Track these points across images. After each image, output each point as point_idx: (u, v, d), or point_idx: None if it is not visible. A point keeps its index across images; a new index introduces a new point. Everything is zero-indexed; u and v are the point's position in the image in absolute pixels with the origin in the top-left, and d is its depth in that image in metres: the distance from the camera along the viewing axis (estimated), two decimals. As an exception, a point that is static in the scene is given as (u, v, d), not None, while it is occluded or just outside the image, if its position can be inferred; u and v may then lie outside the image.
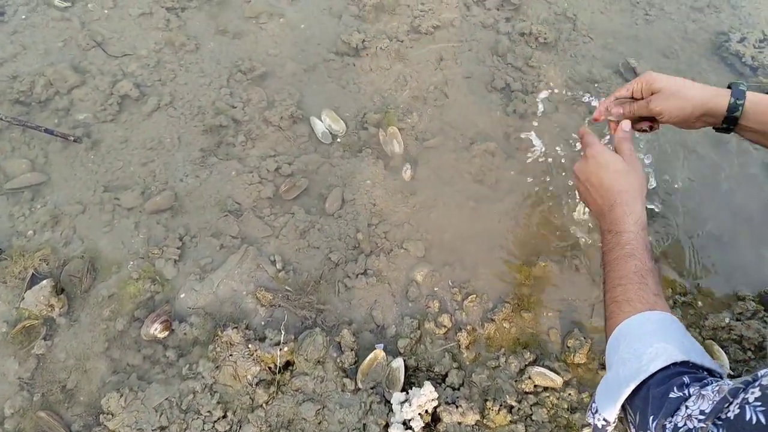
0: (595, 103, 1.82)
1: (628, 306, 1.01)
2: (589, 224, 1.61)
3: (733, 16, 2.09)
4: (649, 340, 0.93)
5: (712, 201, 1.69)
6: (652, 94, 1.24)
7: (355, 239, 1.56)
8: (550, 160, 1.72)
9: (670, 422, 0.80)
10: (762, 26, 2.05)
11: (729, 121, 1.19)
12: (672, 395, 0.83)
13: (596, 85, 1.88)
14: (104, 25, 1.95)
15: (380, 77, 1.88)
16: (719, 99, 1.18)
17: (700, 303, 1.53)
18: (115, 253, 1.50)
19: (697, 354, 0.89)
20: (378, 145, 1.73)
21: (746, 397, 0.71)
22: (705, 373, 0.88)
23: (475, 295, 1.49)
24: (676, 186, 1.69)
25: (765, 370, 0.73)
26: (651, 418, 0.84)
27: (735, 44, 1.95)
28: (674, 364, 0.87)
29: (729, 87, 1.19)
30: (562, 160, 1.72)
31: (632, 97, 1.29)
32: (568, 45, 1.97)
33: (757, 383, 0.72)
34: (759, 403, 0.69)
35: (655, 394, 0.86)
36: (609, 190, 1.18)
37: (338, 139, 1.74)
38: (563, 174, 1.69)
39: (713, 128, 1.23)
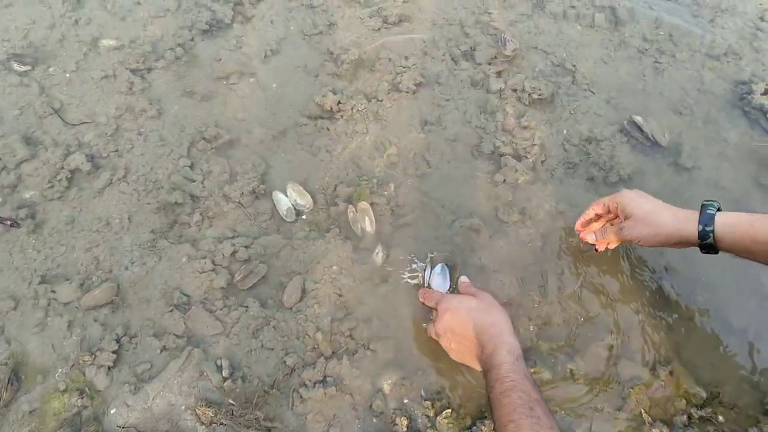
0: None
1: None
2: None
3: (756, 62, 1.85)
4: None
5: (733, 288, 1.44)
6: (626, 217, 1.26)
7: (314, 339, 1.37)
8: (539, 243, 1.50)
9: None
10: (791, 74, 1.81)
11: (705, 248, 1.17)
12: None
13: (600, 144, 1.67)
14: (64, 90, 1.82)
15: (356, 143, 1.70)
16: (689, 225, 1.16)
17: (721, 418, 1.28)
18: (44, 358, 1.34)
19: None
20: (347, 223, 1.54)
21: None
22: None
23: (450, 410, 1.28)
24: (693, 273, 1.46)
25: None
26: None
27: (759, 96, 1.71)
28: None
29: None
30: (558, 240, 1.50)
31: (608, 211, 1.34)
32: (566, 100, 1.76)
33: None
34: None
35: None
36: (475, 331, 1.17)
37: (303, 216, 1.56)
38: (558, 258, 1.48)
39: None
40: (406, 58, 1.86)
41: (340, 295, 1.43)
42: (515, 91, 1.77)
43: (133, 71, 1.86)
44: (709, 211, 1.15)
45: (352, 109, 1.75)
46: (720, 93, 1.78)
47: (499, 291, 1.43)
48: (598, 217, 1.38)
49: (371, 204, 1.55)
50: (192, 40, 1.95)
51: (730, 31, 1.93)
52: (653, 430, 1.25)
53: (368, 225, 1.52)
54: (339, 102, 1.75)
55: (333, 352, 1.36)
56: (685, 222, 1.17)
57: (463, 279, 1.39)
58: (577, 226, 1.40)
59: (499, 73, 1.82)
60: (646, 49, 1.88)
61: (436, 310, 1.30)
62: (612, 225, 1.34)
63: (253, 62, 1.89)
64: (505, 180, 1.60)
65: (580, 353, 1.37)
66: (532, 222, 1.54)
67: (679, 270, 1.46)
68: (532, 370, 1.31)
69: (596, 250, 1.40)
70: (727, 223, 1.13)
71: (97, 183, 1.62)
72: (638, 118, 1.66)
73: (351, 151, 1.68)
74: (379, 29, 1.95)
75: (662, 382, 1.33)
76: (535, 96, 1.74)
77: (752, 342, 1.37)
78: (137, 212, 1.57)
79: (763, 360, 1.35)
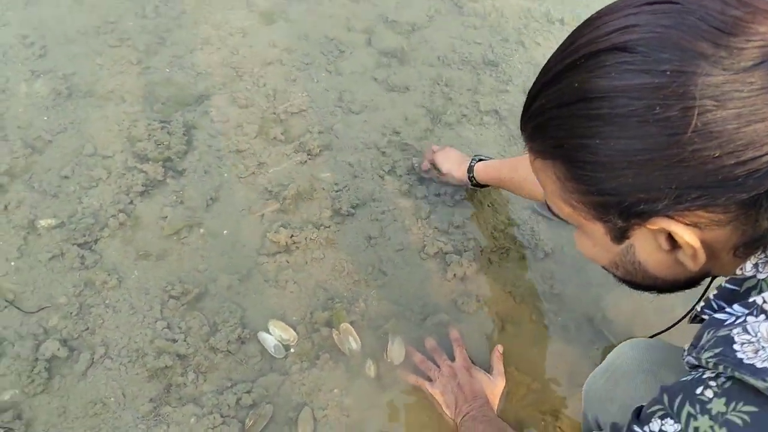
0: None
1: None
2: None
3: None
4: None
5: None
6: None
7: (338, 462, 1.49)
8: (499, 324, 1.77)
9: None
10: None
11: (474, 184, 1.94)
12: None
13: (520, 228, 1.99)
14: (13, 280, 1.82)
15: (317, 269, 1.88)
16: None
17: None
18: None
19: None
20: (333, 346, 1.70)
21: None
22: None
23: (473, 490, 1.45)
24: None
25: None
26: None
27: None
28: None
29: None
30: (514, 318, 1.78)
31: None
32: (481, 196, 2.08)
33: None
34: None
35: None
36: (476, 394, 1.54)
37: (291, 350, 1.69)
38: (518, 336, 1.74)
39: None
40: (337, 183, 2.10)
41: (348, 416, 1.57)
42: (438, 195, 2.07)
43: (80, 246, 1.91)
44: (471, 164, 1.88)
45: (305, 239, 1.93)
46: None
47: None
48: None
49: (350, 322, 1.73)
50: (131, 203, 2.04)
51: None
52: None
53: (353, 343, 1.69)
54: (292, 235, 1.93)
55: (357, 470, 1.49)
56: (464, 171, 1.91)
57: (500, 349, 1.72)
58: (424, 165, 2.10)
59: (419, 180, 2.12)
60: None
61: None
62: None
63: (198, 214, 2.02)
64: (455, 275, 1.86)
65: (561, 413, 1.62)
66: (488, 307, 1.80)
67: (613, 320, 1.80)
68: (528, 436, 1.54)
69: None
70: (480, 167, 1.85)
71: (78, 366, 1.63)
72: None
73: (315, 279, 1.86)
74: (305, 162, 2.18)
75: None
76: (457, 197, 2.05)
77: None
78: (129, 385, 1.61)
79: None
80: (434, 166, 2.01)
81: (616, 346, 1.25)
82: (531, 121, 0.75)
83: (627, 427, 0.77)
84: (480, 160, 1.88)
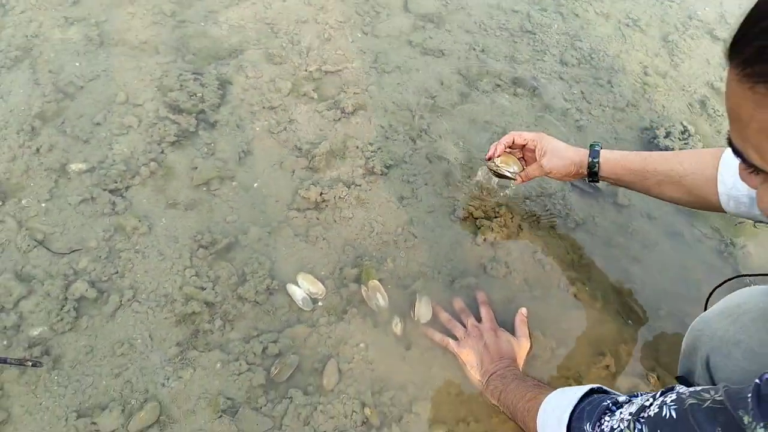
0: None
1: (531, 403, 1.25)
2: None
3: (651, 111, 2.28)
4: (553, 414, 1.11)
5: (682, 297, 1.76)
6: (542, 154, 1.63)
7: (363, 414, 1.49)
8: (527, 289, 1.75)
9: (607, 423, 0.93)
10: (678, 117, 2.24)
11: (592, 175, 1.58)
12: (603, 403, 0.99)
13: (552, 197, 1.96)
14: (43, 221, 1.82)
15: (346, 228, 1.86)
16: (583, 158, 1.58)
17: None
18: (105, 492, 1.34)
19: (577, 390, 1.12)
20: (361, 301, 1.69)
21: (665, 399, 0.86)
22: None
23: (497, 450, 1.45)
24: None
25: (681, 387, 0.88)
26: (587, 425, 0.98)
27: (662, 139, 2.11)
28: (584, 395, 1.07)
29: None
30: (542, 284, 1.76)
31: (523, 146, 1.72)
32: (515, 163, 2.05)
33: (674, 391, 0.87)
34: (673, 404, 0.84)
35: (584, 411, 1.02)
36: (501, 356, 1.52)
37: (319, 303, 1.69)
38: (547, 300, 1.72)
39: (585, 179, 1.62)
40: (371, 144, 2.08)
41: (372, 370, 1.57)
42: (470, 161, 2.04)
43: (111, 191, 1.91)
44: (595, 148, 1.57)
45: (335, 197, 1.92)
46: (632, 140, 2.17)
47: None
48: (508, 148, 1.73)
49: (379, 280, 1.72)
50: (163, 152, 2.03)
51: (625, 87, 2.36)
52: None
53: (381, 300, 1.68)
54: (322, 193, 1.92)
55: (381, 423, 1.48)
56: (582, 156, 1.58)
57: (524, 311, 1.68)
58: (489, 154, 1.71)
59: (455, 144, 2.09)
60: (568, 109, 2.24)
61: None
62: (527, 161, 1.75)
63: (229, 166, 2.01)
64: (485, 239, 1.83)
65: (584, 378, 1.60)
66: (517, 273, 1.78)
67: (642, 282, 1.77)
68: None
69: (489, 158, 1.73)
70: (606, 156, 1.55)
71: (106, 308, 1.64)
72: (579, 170, 1.99)
73: (345, 236, 1.84)
74: (339, 119, 2.15)
75: (653, 388, 1.60)
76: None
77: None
78: (157, 328, 1.62)
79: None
80: (497, 172, 1.75)
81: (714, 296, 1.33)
82: (753, 42, 0.66)
83: (754, 395, 0.74)
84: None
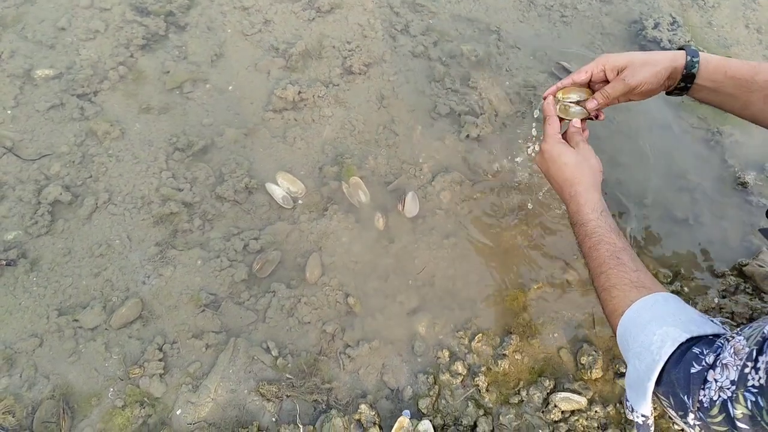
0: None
1: (615, 291, 1.06)
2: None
3: (640, 3, 2.19)
4: (651, 328, 0.96)
5: (668, 187, 1.74)
6: (618, 73, 1.28)
7: (347, 304, 1.48)
8: (517, 179, 1.72)
9: (705, 396, 0.85)
10: (668, 9, 2.16)
11: (686, 79, 1.26)
12: (693, 371, 0.88)
13: (536, 90, 1.91)
14: (11, 128, 1.76)
15: (326, 127, 1.81)
16: (678, 58, 1.25)
17: (686, 289, 1.57)
18: (90, 383, 1.35)
19: (696, 325, 0.94)
20: (342, 198, 1.66)
21: (766, 359, 0.78)
22: (711, 338, 0.93)
23: (481, 334, 1.46)
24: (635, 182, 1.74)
25: None
26: (685, 397, 0.88)
27: (651, 31, 2.03)
28: (681, 344, 0.92)
29: (682, 49, 1.27)
30: (527, 174, 1.73)
31: (591, 78, 1.32)
32: (499, 59, 1.98)
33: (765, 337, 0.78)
34: None
35: (677, 376, 0.90)
36: (564, 183, 1.24)
37: (300, 201, 1.66)
38: (537, 192, 1.70)
39: (666, 93, 1.31)
40: (349, 42, 1.99)
41: (356, 262, 1.56)
42: (453, 57, 1.97)
43: (79, 96, 1.83)
44: (691, 48, 1.26)
45: (313, 96, 1.85)
46: (619, 33, 2.09)
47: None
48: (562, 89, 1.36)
49: (360, 177, 1.68)
50: (132, 56, 1.94)
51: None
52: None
53: (363, 196, 1.65)
54: (299, 92, 1.85)
55: (365, 313, 1.48)
56: (673, 57, 1.26)
57: (576, 123, 1.33)
58: (548, 92, 1.35)
59: (435, 44, 2.00)
60: (552, 5, 2.15)
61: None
62: (609, 83, 1.30)
63: (202, 68, 1.93)
64: (468, 135, 1.79)
65: (573, 267, 1.60)
66: (504, 172, 1.75)
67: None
68: (537, 286, 1.53)
69: (596, 117, 1.36)
70: (706, 58, 1.25)
71: (82, 211, 1.60)
72: (565, 63, 1.92)
73: (324, 136, 1.79)
74: (313, 19, 2.05)
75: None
76: (472, 58, 1.94)
77: (693, 224, 1.68)
78: (135, 229, 1.59)
79: (703, 235, 1.66)
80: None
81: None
82: None
83: None
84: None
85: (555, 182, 1.28)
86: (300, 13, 2.06)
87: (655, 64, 1.25)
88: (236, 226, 1.61)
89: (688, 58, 1.25)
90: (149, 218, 1.60)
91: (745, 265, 1.61)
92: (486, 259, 1.58)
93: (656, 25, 2.05)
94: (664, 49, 2.01)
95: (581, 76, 1.31)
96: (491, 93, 1.89)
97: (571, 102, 1.33)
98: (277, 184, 1.67)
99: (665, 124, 1.87)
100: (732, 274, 1.60)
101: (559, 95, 1.35)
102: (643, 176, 1.76)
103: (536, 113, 1.49)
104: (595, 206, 1.18)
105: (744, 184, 1.75)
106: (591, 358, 1.43)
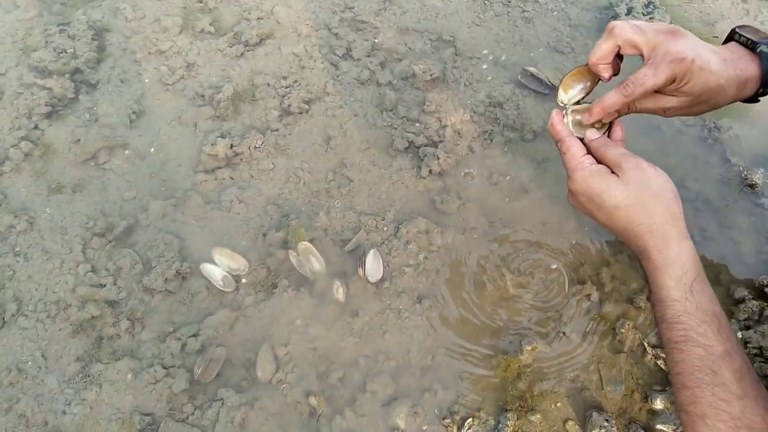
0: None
1: (702, 425, 0.76)
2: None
3: (607, -14, 1.93)
4: None
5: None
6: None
7: (308, 404, 1.24)
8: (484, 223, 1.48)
9: None
10: (639, -11, 1.91)
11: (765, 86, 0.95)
12: None
13: (503, 106, 1.66)
14: None
15: (267, 183, 1.56)
16: (747, 62, 0.92)
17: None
18: None
19: None
20: (292, 270, 1.41)
21: None
22: None
23: (471, 418, 1.22)
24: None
25: None
26: None
27: (624, 16, 1.79)
28: None
29: (730, 40, 0.95)
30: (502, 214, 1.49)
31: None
32: (457, 73, 1.73)
33: None
34: None
35: None
36: (624, 235, 0.91)
37: (243, 280, 1.41)
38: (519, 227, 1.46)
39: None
40: (285, 77, 1.74)
41: (315, 349, 1.32)
42: (405, 78, 1.72)
43: (-22, 186, 1.58)
44: (764, 46, 0.89)
45: (249, 148, 1.60)
46: (589, 24, 1.84)
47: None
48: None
49: (310, 241, 1.44)
50: (36, 127, 1.68)
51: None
52: (655, 351, 1.29)
53: (316, 264, 1.41)
54: (232, 146, 1.60)
55: (333, 411, 1.24)
56: (741, 61, 0.91)
57: (592, 135, 1.00)
58: (594, 59, 1.04)
59: (382, 65, 1.75)
60: (510, 2, 1.90)
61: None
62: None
63: (118, 131, 1.67)
64: (431, 171, 1.54)
65: (567, 318, 1.36)
66: (471, 203, 1.50)
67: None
68: (531, 347, 1.29)
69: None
70: None
71: (-14, 329, 1.35)
72: (531, 69, 1.68)
73: (265, 194, 1.54)
74: (242, 55, 1.80)
75: (644, 311, 1.37)
76: (427, 78, 1.70)
77: (701, 240, 1.44)
78: (50, 344, 1.34)
79: (715, 251, 1.43)
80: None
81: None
82: None
83: None
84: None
85: (615, 233, 0.95)
86: (226, 50, 1.81)
87: (715, 76, 0.93)
88: (171, 322, 1.36)
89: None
90: (67, 327, 1.35)
91: (767, 285, 1.38)
92: (467, 321, 1.34)
93: (630, 10, 1.80)
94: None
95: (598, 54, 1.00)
96: (452, 117, 1.64)
97: (580, 106, 1.07)
98: (214, 263, 1.42)
99: (652, 126, 1.63)
100: (752, 298, 1.37)
101: (561, 96, 1.10)
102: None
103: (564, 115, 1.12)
104: (681, 269, 0.84)
105: (752, 186, 1.52)
106: (604, 430, 1.20)
